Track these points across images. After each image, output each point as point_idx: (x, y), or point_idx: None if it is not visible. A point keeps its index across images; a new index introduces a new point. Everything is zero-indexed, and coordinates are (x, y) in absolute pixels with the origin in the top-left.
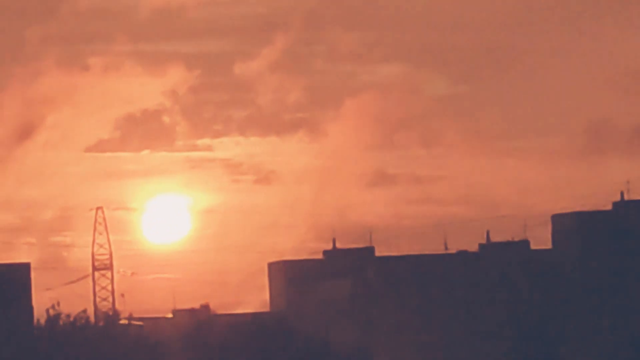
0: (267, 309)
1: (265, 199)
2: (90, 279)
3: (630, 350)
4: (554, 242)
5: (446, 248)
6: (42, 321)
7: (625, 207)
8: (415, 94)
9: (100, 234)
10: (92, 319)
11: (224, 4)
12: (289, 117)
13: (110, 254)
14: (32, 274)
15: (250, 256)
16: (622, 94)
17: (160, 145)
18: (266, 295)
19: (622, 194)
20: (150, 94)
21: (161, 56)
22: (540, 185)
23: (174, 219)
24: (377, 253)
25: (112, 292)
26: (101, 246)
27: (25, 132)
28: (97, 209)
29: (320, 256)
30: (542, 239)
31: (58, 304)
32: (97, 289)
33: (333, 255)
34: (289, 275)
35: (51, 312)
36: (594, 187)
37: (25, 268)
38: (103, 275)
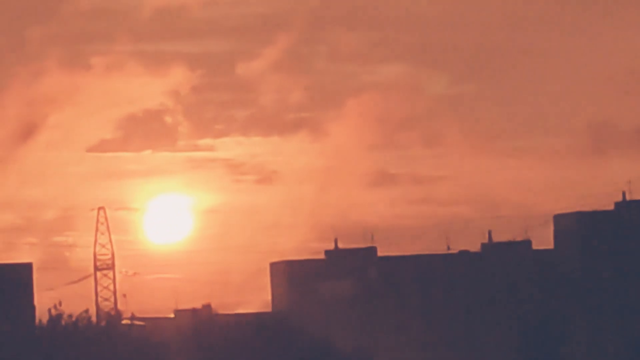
0: (268, 309)
1: (267, 199)
2: (92, 279)
3: (632, 351)
4: (556, 242)
5: (448, 248)
6: (44, 321)
7: (627, 207)
8: (418, 94)
9: (102, 234)
10: (94, 319)
11: (226, 4)
12: (291, 117)
13: (112, 254)
14: (34, 274)
15: (252, 256)
16: (624, 94)
17: (162, 145)
18: (268, 296)
19: (624, 194)
20: (152, 94)
21: (163, 56)
22: (542, 185)
23: (176, 219)
24: (379, 253)
25: (114, 292)
26: (103, 246)
27: (26, 132)
28: (99, 209)
29: (322, 256)
30: (544, 239)
31: (60, 304)
32: (99, 289)
33: (335, 255)
34: (291, 276)
35: (53, 312)
36: (596, 187)
37: (27, 268)
38: (105, 275)
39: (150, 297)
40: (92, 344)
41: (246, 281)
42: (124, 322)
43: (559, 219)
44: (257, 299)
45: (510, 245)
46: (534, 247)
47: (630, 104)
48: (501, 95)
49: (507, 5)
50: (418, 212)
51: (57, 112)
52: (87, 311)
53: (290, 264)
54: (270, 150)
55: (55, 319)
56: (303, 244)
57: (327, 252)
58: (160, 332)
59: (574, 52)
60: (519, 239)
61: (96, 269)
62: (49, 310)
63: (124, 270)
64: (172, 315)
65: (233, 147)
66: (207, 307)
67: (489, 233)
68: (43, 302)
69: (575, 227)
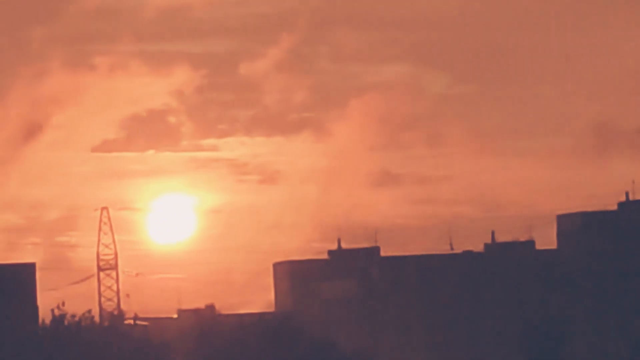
0: (272, 309)
1: (270, 199)
2: (95, 279)
3: (635, 351)
4: (559, 242)
5: (451, 248)
6: (47, 321)
7: (630, 207)
8: (421, 94)
9: (105, 234)
10: (97, 319)
11: (229, 4)
12: (294, 117)
13: (116, 254)
14: (37, 274)
15: (255, 256)
16: (628, 95)
17: (165, 145)
18: (271, 296)
19: (627, 194)
20: (156, 94)
21: (166, 56)
22: (546, 186)
23: (179, 219)
24: (382, 253)
25: (117, 292)
26: (106, 246)
27: (30, 132)
28: (102, 209)
29: (325, 256)
30: (547, 239)
31: (63, 304)
32: (102, 289)
33: (338, 255)
34: (294, 276)
35: (56, 312)
36: (599, 187)
37: (30, 268)
38: (108, 275)
39: (154, 297)
40: (95, 344)
41: (249, 281)
42: (127, 322)
43: (562, 219)
44: (260, 298)
45: (513, 245)
46: (537, 247)
47: (634, 104)
48: (505, 96)
49: (510, 6)
50: (421, 212)
51: (61, 112)
52: (90, 311)
53: (293, 264)
54: (274, 150)
55: (58, 319)
56: (306, 243)
57: (330, 252)
58: (164, 332)
59: (578, 52)
60: (522, 239)
61: (99, 269)
62: (52, 310)
63: (127, 270)
64: (175, 315)
65: (236, 147)
66: (210, 307)
67: (492, 233)
68: (46, 302)
69: (578, 227)
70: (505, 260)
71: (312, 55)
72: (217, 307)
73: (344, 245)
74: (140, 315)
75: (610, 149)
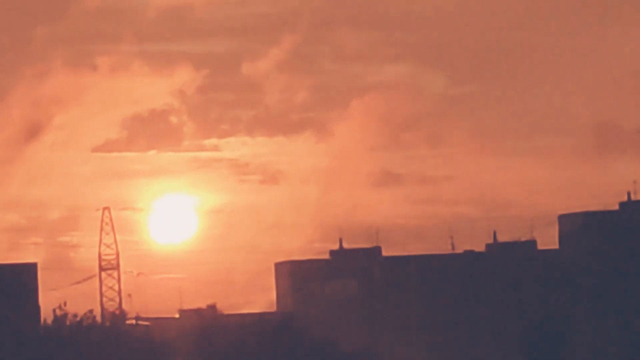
0: (273, 309)
1: (271, 199)
2: (97, 279)
3: (635, 351)
4: (560, 242)
5: (453, 248)
6: (49, 321)
7: (632, 207)
8: (422, 94)
9: (107, 234)
10: (98, 319)
11: (231, 4)
12: (295, 117)
13: (117, 254)
14: (39, 274)
15: (256, 256)
16: (629, 94)
17: (167, 145)
18: (273, 295)
19: (629, 194)
20: (158, 94)
21: (168, 56)
22: (547, 185)
23: (181, 219)
24: (384, 253)
25: (119, 292)
26: (108, 246)
27: (32, 132)
28: (104, 209)
29: (326, 256)
30: (549, 239)
31: (65, 304)
32: (103, 289)
33: (340, 255)
34: (296, 276)
35: (58, 312)
36: (601, 187)
37: (32, 268)
38: (110, 275)
39: (155, 297)
40: (96, 344)
41: (250, 281)
42: (128, 322)
43: (563, 219)
44: (262, 298)
45: (515, 245)
46: (539, 247)
47: (635, 104)
48: (506, 96)
49: (510, 6)
50: (422, 212)
51: (62, 112)
52: (91, 311)
53: (294, 264)
54: (275, 150)
55: (60, 319)
56: (308, 243)
57: (331, 252)
58: (165, 332)
59: (580, 52)
60: (523, 239)
61: (101, 269)
62: (54, 310)
63: (129, 270)
64: (176, 315)
65: (238, 147)
66: (212, 307)
67: (494, 233)
68: (48, 302)
69: (580, 227)
70: (507, 260)
71: (313, 56)
72: (218, 307)
73: (345, 245)
74: (142, 315)
75: (611, 149)
